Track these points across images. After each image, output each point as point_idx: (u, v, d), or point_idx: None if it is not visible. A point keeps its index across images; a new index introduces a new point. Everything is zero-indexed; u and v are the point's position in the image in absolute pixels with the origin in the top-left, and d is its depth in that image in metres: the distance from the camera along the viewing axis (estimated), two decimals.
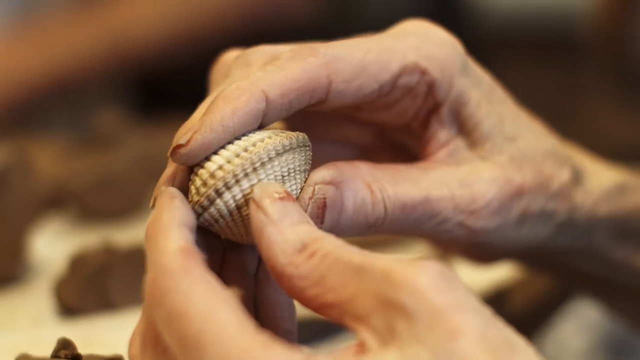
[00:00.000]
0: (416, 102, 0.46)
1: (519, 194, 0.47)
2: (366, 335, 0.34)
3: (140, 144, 0.87)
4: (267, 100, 0.41)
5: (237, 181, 0.40)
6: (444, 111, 0.46)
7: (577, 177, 0.50)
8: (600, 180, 0.52)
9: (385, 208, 0.43)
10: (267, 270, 0.41)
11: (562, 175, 0.49)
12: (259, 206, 0.38)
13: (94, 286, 0.60)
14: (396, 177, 0.44)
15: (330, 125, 0.49)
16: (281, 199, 0.39)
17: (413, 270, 0.34)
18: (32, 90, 1.25)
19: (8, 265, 0.67)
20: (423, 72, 0.45)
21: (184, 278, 0.36)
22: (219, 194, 0.40)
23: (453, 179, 0.45)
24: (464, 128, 0.47)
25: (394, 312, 0.34)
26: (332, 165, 0.43)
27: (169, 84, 1.34)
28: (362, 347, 0.34)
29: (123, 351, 0.47)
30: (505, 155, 0.47)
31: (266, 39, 0.48)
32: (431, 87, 0.45)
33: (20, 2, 1.33)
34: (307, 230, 0.38)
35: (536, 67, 1.24)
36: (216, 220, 0.41)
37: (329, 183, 0.42)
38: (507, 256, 0.54)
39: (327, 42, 0.44)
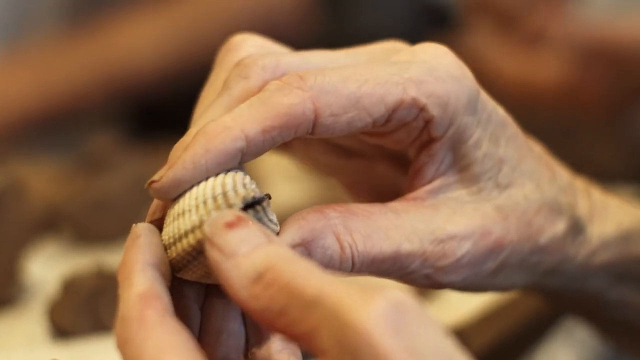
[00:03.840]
0: (411, 135, 0.44)
1: (496, 247, 0.45)
2: None
3: (135, 168, 0.87)
4: (246, 138, 0.40)
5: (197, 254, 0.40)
6: (439, 147, 0.44)
7: (575, 228, 0.48)
8: (605, 228, 0.50)
9: (354, 263, 0.42)
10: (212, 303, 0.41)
11: (556, 228, 0.47)
12: (211, 244, 0.37)
13: (87, 309, 0.61)
14: (368, 227, 0.42)
15: None
16: (232, 226, 0.37)
17: (365, 307, 0.33)
18: (27, 117, 1.25)
19: (2, 287, 0.67)
20: (421, 109, 0.42)
21: (139, 328, 0.36)
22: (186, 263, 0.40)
23: (426, 230, 0.43)
24: (457, 165, 0.45)
25: (346, 353, 0.33)
26: (303, 221, 0.41)
27: (163, 108, 1.34)
28: None
29: None
30: (491, 203, 0.45)
31: None
32: (428, 123, 0.43)
33: (12, 29, 1.33)
34: (263, 256, 0.36)
35: None
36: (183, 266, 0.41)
37: (299, 244, 0.41)
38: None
39: (322, 68, 0.42)
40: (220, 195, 0.40)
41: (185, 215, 0.40)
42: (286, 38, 0.49)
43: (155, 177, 0.40)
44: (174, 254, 0.40)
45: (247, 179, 0.41)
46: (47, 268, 0.75)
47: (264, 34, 0.47)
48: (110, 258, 0.70)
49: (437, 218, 0.44)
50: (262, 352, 0.41)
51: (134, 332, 0.36)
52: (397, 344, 0.32)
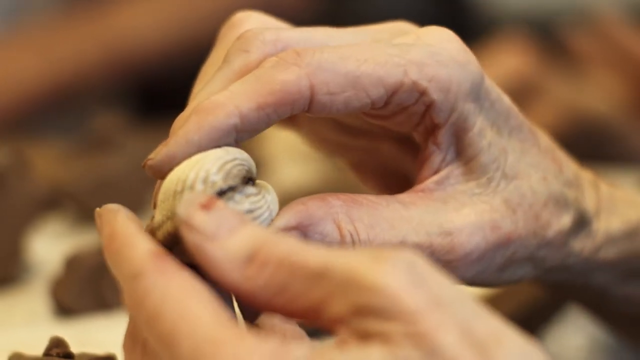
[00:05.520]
0: (412, 120, 0.43)
1: (506, 242, 0.44)
2: (347, 335, 0.33)
3: (139, 147, 0.87)
4: (240, 115, 0.39)
5: None
6: (442, 133, 0.43)
7: (581, 222, 0.47)
8: (611, 223, 0.49)
9: None
10: None
11: (562, 222, 0.46)
12: (189, 226, 0.36)
13: (90, 287, 0.61)
14: (373, 218, 0.41)
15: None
16: (206, 207, 0.36)
17: (379, 269, 0.33)
18: (31, 97, 1.25)
19: (6, 266, 0.67)
20: (422, 93, 0.41)
21: (158, 279, 0.35)
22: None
23: (434, 223, 0.42)
24: (462, 155, 0.43)
25: (369, 315, 0.32)
26: (301, 206, 0.40)
27: (167, 87, 1.34)
28: (344, 342, 0.33)
29: (117, 351, 0.47)
30: (499, 196, 0.44)
31: None
32: (429, 107, 0.42)
33: (13, 10, 1.33)
34: (250, 235, 0.36)
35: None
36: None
37: (295, 228, 0.40)
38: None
39: (321, 46, 0.41)
40: (179, 194, 0.39)
41: (159, 207, 0.39)
42: (287, 16, 0.48)
43: (152, 155, 0.40)
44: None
45: (215, 167, 0.39)
46: (50, 246, 0.75)
47: (265, 12, 0.47)
48: None
49: (445, 211, 0.43)
50: (267, 320, 0.40)
51: (152, 284, 0.35)
52: (421, 296, 0.32)
